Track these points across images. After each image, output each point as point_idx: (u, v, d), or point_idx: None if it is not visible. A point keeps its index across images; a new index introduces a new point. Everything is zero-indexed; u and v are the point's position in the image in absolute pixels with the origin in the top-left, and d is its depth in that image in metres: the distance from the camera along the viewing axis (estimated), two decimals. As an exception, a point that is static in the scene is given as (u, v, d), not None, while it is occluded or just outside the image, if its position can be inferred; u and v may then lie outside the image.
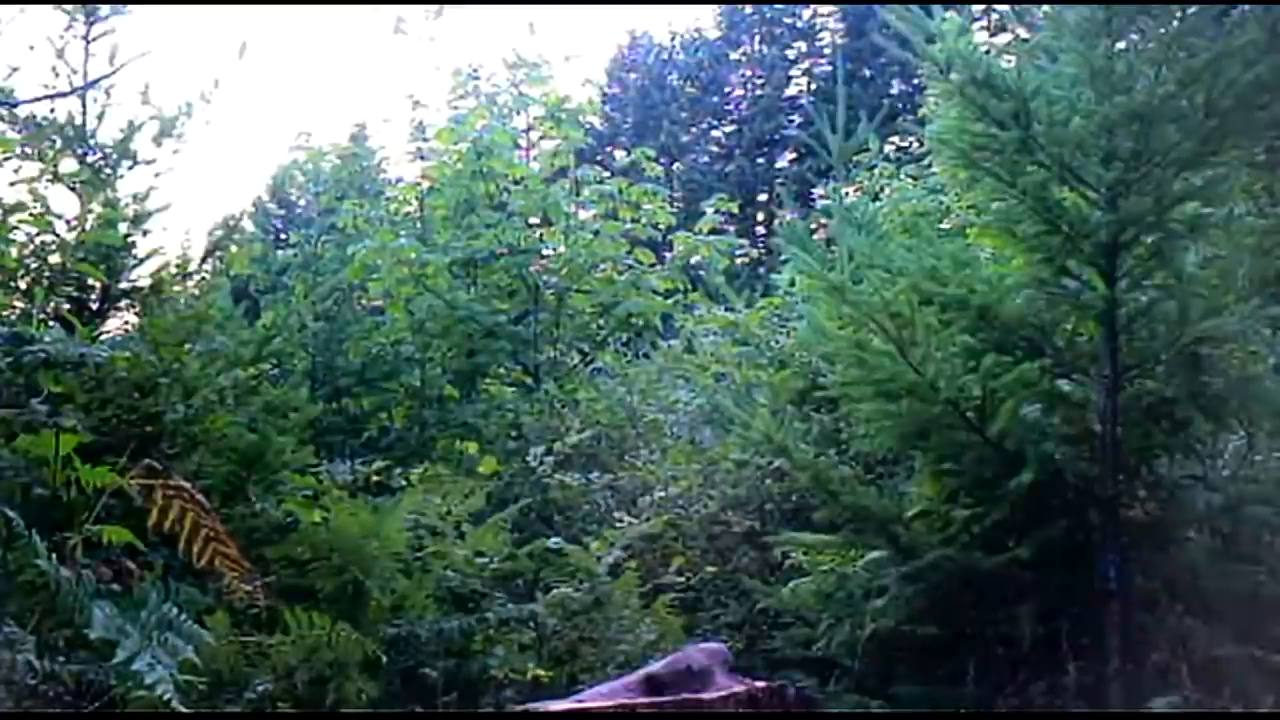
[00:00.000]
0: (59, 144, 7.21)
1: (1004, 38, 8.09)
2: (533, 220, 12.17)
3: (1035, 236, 6.01)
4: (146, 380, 6.15)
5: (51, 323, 6.33)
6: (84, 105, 7.39)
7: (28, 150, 7.15)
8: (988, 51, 6.43)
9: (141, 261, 6.95)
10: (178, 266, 7.17)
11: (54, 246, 6.79)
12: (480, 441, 9.15)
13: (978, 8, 10.91)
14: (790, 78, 39.10)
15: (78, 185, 7.05)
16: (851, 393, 6.23)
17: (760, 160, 37.58)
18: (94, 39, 7.44)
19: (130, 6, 7.58)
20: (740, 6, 39.90)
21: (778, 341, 8.92)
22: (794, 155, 36.04)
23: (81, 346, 5.86)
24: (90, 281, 6.78)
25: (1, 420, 5.41)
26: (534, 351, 11.21)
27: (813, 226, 7.64)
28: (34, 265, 6.68)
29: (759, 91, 39.15)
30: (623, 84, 39.90)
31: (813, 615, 6.35)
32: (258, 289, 12.15)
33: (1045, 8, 6.27)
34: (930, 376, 5.83)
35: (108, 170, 7.24)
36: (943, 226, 8.03)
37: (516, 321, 11.37)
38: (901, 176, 9.99)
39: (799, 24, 39.48)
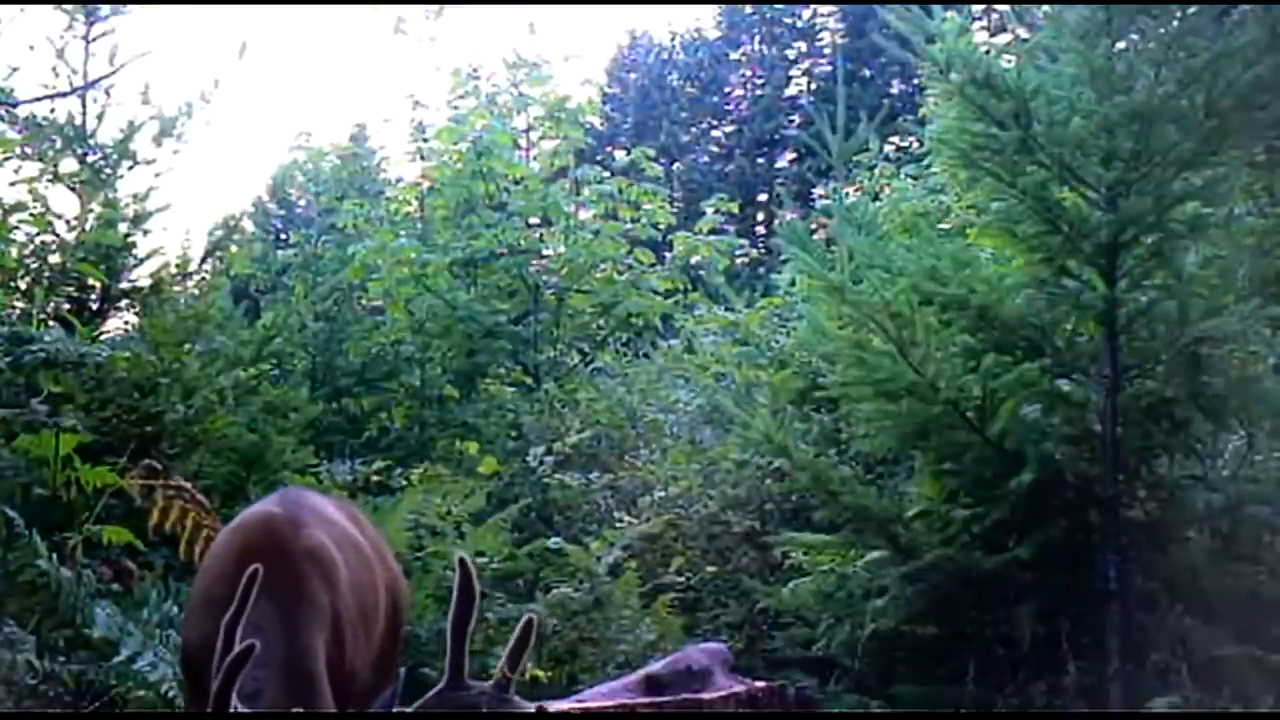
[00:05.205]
0: (59, 144, 7.21)
1: (1004, 38, 8.10)
2: (533, 220, 12.16)
3: (1035, 236, 6.01)
4: (146, 380, 6.16)
5: (51, 323, 6.33)
6: (84, 105, 7.40)
7: (28, 150, 7.15)
8: (988, 51, 6.44)
9: (141, 261, 6.96)
10: (178, 266, 7.18)
11: (54, 246, 6.80)
12: (480, 441, 9.15)
13: (978, 8, 10.90)
14: (790, 78, 39.02)
15: (78, 185, 7.05)
16: (851, 393, 6.23)
17: (760, 160, 37.52)
18: (94, 39, 7.45)
19: (130, 6, 7.59)
20: (740, 6, 39.88)
21: (778, 341, 8.90)
22: (794, 155, 35.98)
23: (81, 346, 5.86)
24: (90, 281, 6.79)
25: (1, 420, 5.41)
26: (534, 351, 11.20)
27: (813, 226, 7.64)
28: (34, 265, 6.69)
29: (759, 91, 39.08)
30: (623, 84, 39.82)
31: (813, 615, 6.35)
32: (258, 289, 12.15)
33: (1045, 8, 6.28)
34: (930, 376, 5.83)
35: (108, 170, 7.24)
36: (943, 226, 8.01)
37: (516, 321, 11.36)
38: (901, 176, 9.97)
39: (799, 24, 39.42)
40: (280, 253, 13.82)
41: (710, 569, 7.70)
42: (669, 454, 8.72)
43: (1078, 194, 5.95)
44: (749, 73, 40.14)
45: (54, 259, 6.75)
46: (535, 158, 12.66)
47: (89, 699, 4.65)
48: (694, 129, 39.44)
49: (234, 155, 38.68)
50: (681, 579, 7.56)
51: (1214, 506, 5.80)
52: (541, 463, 8.44)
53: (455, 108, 12.83)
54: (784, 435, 6.44)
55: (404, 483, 7.50)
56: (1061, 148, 5.81)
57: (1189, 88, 5.72)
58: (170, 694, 4.36)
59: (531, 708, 3.04)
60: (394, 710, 2.97)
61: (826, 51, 38.31)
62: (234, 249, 7.99)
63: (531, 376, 11.06)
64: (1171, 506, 5.90)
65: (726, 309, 10.19)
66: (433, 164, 12.57)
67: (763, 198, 35.44)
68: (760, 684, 4.56)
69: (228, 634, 2.68)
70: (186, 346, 6.59)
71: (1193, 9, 5.94)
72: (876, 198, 9.20)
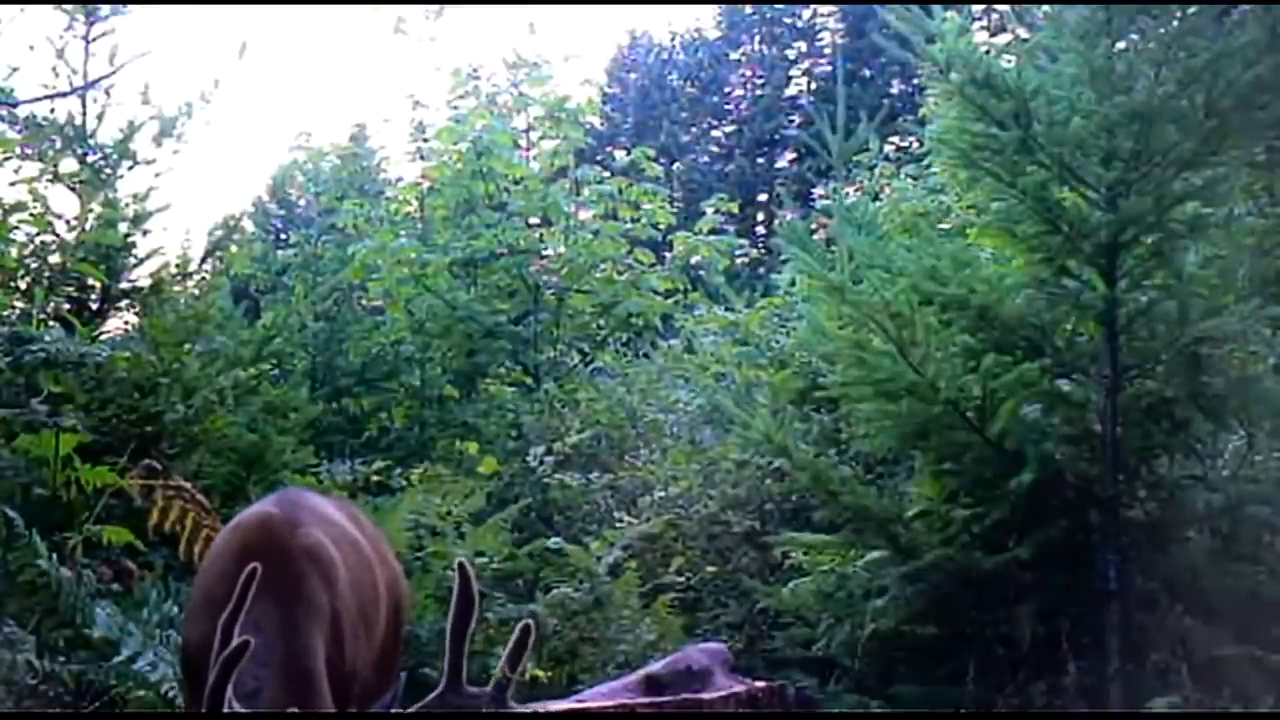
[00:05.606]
0: (59, 144, 7.21)
1: (1004, 38, 8.10)
2: (533, 220, 12.16)
3: (1035, 236, 6.01)
4: (146, 380, 6.16)
5: (51, 323, 6.33)
6: (84, 105, 7.40)
7: (28, 150, 7.15)
8: (988, 51, 6.44)
9: (141, 261, 6.96)
10: (178, 266, 7.18)
11: (54, 246, 6.80)
12: (480, 441, 9.15)
13: (978, 8, 10.90)
14: (790, 78, 39.00)
15: (78, 185, 7.05)
16: (851, 393, 6.23)
17: (760, 160, 37.50)
18: (94, 39, 7.45)
19: (130, 6, 7.59)
20: (740, 6, 39.87)
21: (778, 341, 8.90)
22: (794, 155, 35.97)
23: (81, 346, 5.87)
24: (90, 281, 6.79)
25: (1, 420, 5.41)
26: (534, 351, 11.20)
27: (813, 226, 7.64)
28: (34, 265, 6.69)
29: (759, 91, 39.06)
30: (623, 84, 39.80)
31: (813, 615, 6.35)
32: (258, 289, 12.14)
33: (1045, 8, 6.28)
34: (930, 376, 5.83)
35: (108, 170, 7.24)
36: (943, 226, 8.02)
37: (516, 321, 11.36)
38: (901, 176, 9.97)
39: (799, 24, 39.40)
40: (280, 253, 13.81)
41: (710, 569, 7.70)
42: (669, 454, 8.71)
43: (1078, 194, 5.95)
44: (749, 73, 40.12)
45: (54, 259, 6.75)
46: (535, 158, 12.65)
47: (89, 699, 4.65)
48: (694, 129, 39.42)
49: (234, 155, 38.67)
50: (681, 579, 7.55)
51: (1214, 506, 5.80)
52: (541, 463, 8.44)
53: (455, 108, 12.83)
54: (784, 435, 6.44)
55: (404, 483, 7.50)
56: (1061, 148, 5.80)
57: (1189, 88, 5.72)
58: (170, 694, 4.36)
59: (527, 709, 3.05)
60: (394, 712, 2.98)
61: (826, 51, 38.29)
62: (234, 249, 7.99)
63: (531, 376, 11.05)
64: (1171, 506, 5.90)
65: (726, 309, 10.19)
66: (433, 164, 12.57)
67: (763, 198, 35.43)
68: (760, 684, 4.56)
69: (225, 633, 2.68)
70: (186, 346, 6.59)
71: (1193, 9, 5.94)
72: (876, 198, 9.19)
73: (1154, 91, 5.79)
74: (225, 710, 2.67)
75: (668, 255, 12.60)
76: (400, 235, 11.91)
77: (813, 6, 38.93)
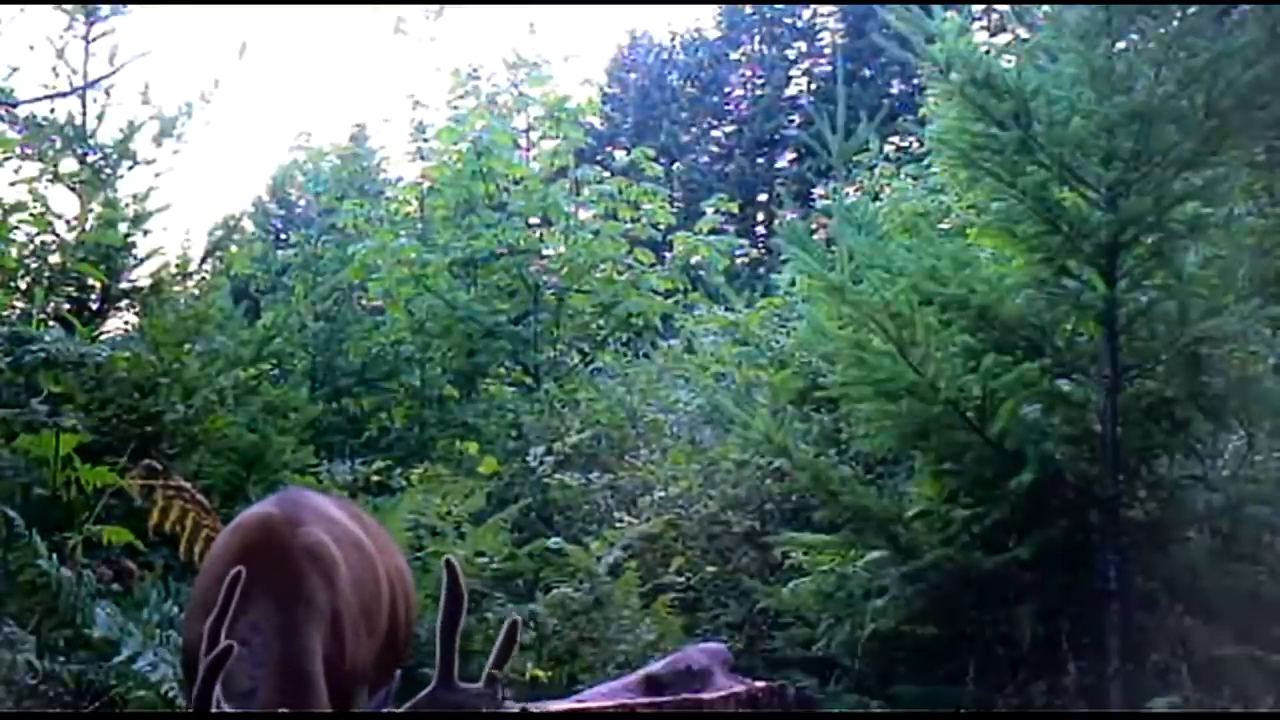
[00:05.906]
0: (59, 144, 7.21)
1: (1004, 38, 8.10)
2: (533, 220, 12.16)
3: (1035, 236, 6.01)
4: (146, 380, 6.16)
5: (51, 323, 6.33)
6: (84, 105, 7.40)
7: (28, 150, 7.15)
8: (988, 51, 6.44)
9: (141, 261, 6.96)
10: (178, 266, 7.18)
11: (54, 246, 6.80)
12: (480, 441, 9.15)
13: (978, 8, 10.90)
14: (790, 78, 38.98)
15: (78, 185, 7.05)
16: (851, 393, 6.24)
17: (760, 160, 37.47)
18: (94, 39, 7.45)
19: (130, 6, 7.59)
20: (740, 6, 39.85)
21: (778, 341, 8.91)
22: (794, 155, 35.94)
23: (81, 346, 5.87)
24: (90, 281, 6.79)
25: (1, 420, 5.41)
26: (534, 351, 11.20)
27: (813, 226, 7.64)
28: (34, 265, 6.69)
29: (759, 91, 39.05)
30: (623, 84, 39.79)
31: (813, 615, 6.35)
32: (258, 289, 12.14)
33: (1045, 8, 6.28)
34: (930, 376, 5.83)
35: (108, 170, 7.24)
36: (943, 226, 8.02)
37: (516, 321, 11.36)
38: (901, 176, 9.97)
39: (799, 24, 39.39)
40: (280, 253, 13.80)
41: (710, 569, 7.70)
42: (669, 454, 8.71)
43: (1078, 194, 5.95)
44: (749, 73, 40.11)
45: (54, 259, 6.75)
46: (535, 158, 12.65)
47: (89, 699, 4.65)
48: (694, 129, 39.41)
49: (234, 155, 38.66)
50: (681, 579, 7.56)
51: (1214, 506, 5.80)
52: (541, 463, 8.44)
53: (455, 108, 12.83)
54: (784, 435, 6.45)
55: (404, 483, 7.50)
56: (1061, 148, 5.81)
57: (1189, 88, 5.72)
58: (170, 694, 4.36)
59: (516, 708, 3.06)
60: (386, 710, 2.98)
61: (826, 51, 38.27)
62: (234, 249, 7.98)
63: (531, 376, 11.05)
64: (1171, 506, 5.90)
65: (726, 309, 10.19)
66: (433, 164, 12.57)
67: (763, 198, 35.41)
68: (760, 684, 4.57)
69: (212, 636, 2.69)
70: (186, 346, 6.59)
71: (1193, 9, 5.94)
72: (876, 198, 9.19)
73: (1154, 91, 5.79)
74: (214, 711, 2.68)
75: (668, 255, 12.60)
76: (400, 235, 11.91)
77: (813, 6, 38.91)
